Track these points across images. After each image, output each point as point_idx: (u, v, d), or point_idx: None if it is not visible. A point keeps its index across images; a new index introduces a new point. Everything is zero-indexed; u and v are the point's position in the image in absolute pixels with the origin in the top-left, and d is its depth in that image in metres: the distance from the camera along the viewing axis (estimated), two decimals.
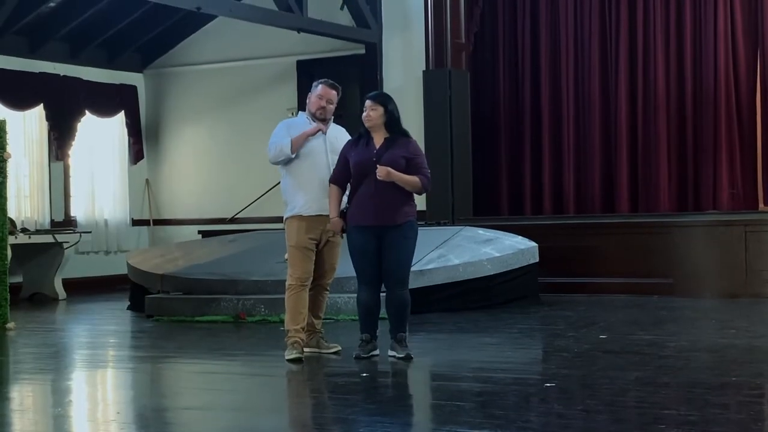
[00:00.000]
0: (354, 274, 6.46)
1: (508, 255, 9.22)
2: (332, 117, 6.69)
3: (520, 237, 9.60)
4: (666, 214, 10.86)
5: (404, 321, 6.35)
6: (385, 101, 6.38)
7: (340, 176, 6.38)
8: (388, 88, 12.02)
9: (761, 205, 10.91)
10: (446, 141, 11.27)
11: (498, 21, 12.19)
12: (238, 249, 10.15)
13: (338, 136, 6.68)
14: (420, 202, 11.40)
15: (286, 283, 6.56)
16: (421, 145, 11.32)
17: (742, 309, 8.84)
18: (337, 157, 6.53)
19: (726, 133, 10.96)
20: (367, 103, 6.35)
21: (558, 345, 6.97)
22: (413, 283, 8.57)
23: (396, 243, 6.23)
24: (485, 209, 11.89)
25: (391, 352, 6.34)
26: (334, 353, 6.62)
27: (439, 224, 10.62)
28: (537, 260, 9.45)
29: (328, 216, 6.48)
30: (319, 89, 6.62)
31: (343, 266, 6.73)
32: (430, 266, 8.83)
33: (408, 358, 6.25)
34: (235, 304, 8.72)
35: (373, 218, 6.22)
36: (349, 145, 6.40)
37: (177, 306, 9.01)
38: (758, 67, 10.95)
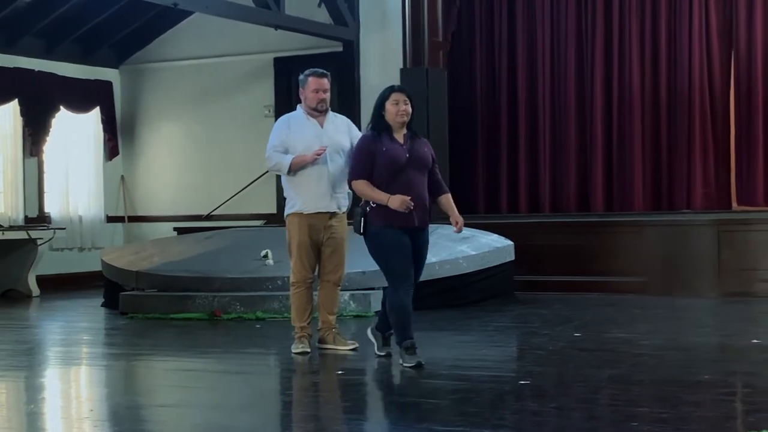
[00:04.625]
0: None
1: (484, 253, 9.25)
2: (329, 107, 6.61)
3: (496, 235, 9.64)
4: (640, 213, 10.93)
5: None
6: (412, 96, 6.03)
7: (366, 173, 5.91)
8: (365, 86, 12.04)
9: (734, 205, 11.01)
10: None
11: (475, 20, 12.21)
12: (213, 246, 10.12)
13: (337, 129, 6.57)
14: None
15: (290, 280, 6.60)
16: None
17: (715, 308, 8.92)
18: (337, 151, 6.44)
19: (700, 133, 11.05)
20: (400, 96, 5.93)
21: (533, 343, 7.00)
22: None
23: (424, 245, 6.03)
24: (461, 207, 11.68)
25: (371, 336, 6.36)
26: (352, 350, 6.56)
27: None
28: (513, 258, 9.48)
29: (327, 213, 6.46)
30: (311, 82, 6.51)
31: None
32: None
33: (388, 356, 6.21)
34: (210, 301, 8.69)
35: (415, 219, 5.87)
36: (370, 141, 5.94)
37: (152, 303, 8.97)
38: (732, 69, 11.04)
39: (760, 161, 10.80)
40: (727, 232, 9.63)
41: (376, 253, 5.96)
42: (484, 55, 12.17)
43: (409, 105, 5.96)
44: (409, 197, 5.80)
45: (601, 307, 8.91)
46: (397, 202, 5.78)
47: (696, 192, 11.02)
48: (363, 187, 5.92)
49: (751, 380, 5.44)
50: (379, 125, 5.96)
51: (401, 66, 11.69)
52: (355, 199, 6.30)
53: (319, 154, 6.35)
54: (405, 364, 5.87)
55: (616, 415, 4.77)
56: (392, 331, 6.14)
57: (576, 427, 4.54)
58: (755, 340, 6.70)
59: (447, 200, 6.16)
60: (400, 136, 5.96)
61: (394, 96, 5.94)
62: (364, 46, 12.09)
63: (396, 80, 11.62)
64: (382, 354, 6.28)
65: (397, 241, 5.83)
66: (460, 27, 12.27)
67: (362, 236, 5.97)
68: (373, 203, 5.89)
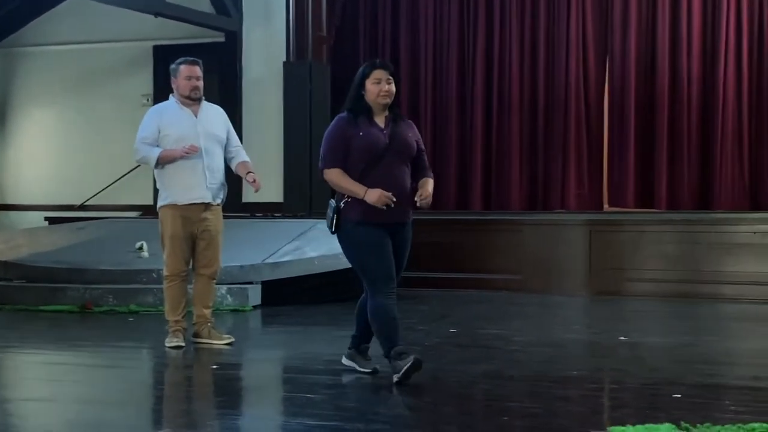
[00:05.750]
0: None
1: None
2: (203, 96, 6.52)
3: None
4: (517, 213, 11.16)
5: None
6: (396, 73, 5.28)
7: (340, 160, 5.16)
8: (247, 78, 11.94)
9: (606, 206, 11.37)
10: (305, 134, 11.24)
11: (359, 16, 12.25)
12: (86, 237, 9.88)
13: (213, 118, 6.50)
14: (278, 194, 11.44)
15: (164, 273, 6.47)
16: (281, 137, 11.42)
17: (586, 306, 9.18)
18: (212, 142, 6.32)
19: (575, 136, 11.36)
20: (382, 74, 5.19)
21: (410, 338, 7.03)
22: (269, 275, 8.60)
23: (405, 242, 5.31)
24: None
25: (348, 362, 5.48)
26: (227, 344, 6.46)
27: (296, 217, 10.60)
28: None
29: (202, 204, 6.35)
30: (183, 70, 6.44)
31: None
32: (285, 258, 8.80)
33: (375, 372, 5.36)
34: (81, 293, 8.46)
35: (396, 214, 5.16)
36: (345, 124, 5.19)
37: (20, 294, 8.68)
38: (606, 75, 11.38)
39: (630, 164, 11.17)
40: (599, 232, 9.90)
41: (351, 254, 5.25)
42: (368, 51, 12.21)
43: (393, 84, 5.23)
44: (390, 192, 5.09)
45: (477, 303, 9.06)
46: (374, 196, 5.04)
47: (570, 193, 11.33)
48: (336, 177, 5.14)
49: (618, 376, 5.61)
50: (358, 107, 5.19)
51: (284, 59, 11.63)
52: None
53: (188, 152, 6.25)
54: (401, 373, 5.06)
55: (489, 410, 4.85)
56: (368, 345, 5.46)
57: (449, 421, 4.60)
58: (622, 338, 6.92)
59: (426, 181, 5.31)
60: (381, 118, 5.22)
61: (376, 73, 5.18)
62: (247, 37, 11.98)
63: (279, 74, 11.58)
64: (369, 370, 5.39)
65: (376, 240, 5.12)
66: (344, 22, 12.28)
67: (334, 234, 5.25)
68: (349, 197, 5.15)
